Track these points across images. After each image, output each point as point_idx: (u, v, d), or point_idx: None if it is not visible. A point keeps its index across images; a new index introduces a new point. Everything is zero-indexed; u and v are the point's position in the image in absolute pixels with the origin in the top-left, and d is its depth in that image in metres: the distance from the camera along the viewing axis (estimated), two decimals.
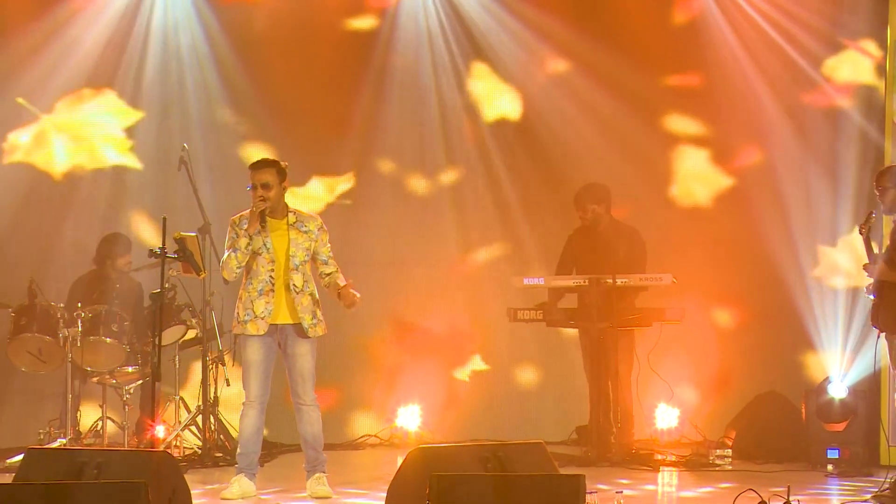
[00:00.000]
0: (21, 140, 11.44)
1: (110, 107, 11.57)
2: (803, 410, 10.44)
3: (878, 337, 8.96)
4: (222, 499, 8.90)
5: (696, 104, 11.73)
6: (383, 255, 11.72)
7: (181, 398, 10.68)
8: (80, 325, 10.18)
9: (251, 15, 11.75)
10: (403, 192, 11.95)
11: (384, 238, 11.86)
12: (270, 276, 8.96)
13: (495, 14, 11.86)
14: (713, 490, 9.38)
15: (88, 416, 10.69)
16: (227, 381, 10.59)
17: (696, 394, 11.59)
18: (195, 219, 10.54)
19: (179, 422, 10.53)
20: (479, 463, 7.17)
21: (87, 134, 11.57)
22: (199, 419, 10.42)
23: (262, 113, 11.70)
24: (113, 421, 10.48)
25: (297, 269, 8.98)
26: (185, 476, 7.39)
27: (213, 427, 10.42)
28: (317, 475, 9.04)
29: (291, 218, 9.06)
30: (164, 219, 8.53)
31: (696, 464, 10.29)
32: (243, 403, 9.05)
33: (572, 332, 11.07)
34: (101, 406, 10.44)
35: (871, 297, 8.92)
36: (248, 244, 8.92)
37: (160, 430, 10.27)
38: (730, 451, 10.40)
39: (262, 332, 8.95)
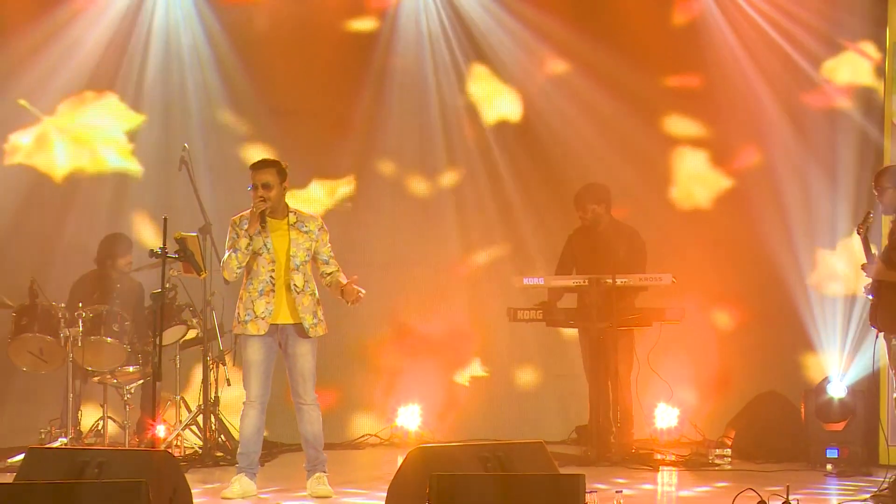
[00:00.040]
0: (22, 142, 11.45)
1: (112, 110, 11.57)
2: (802, 410, 10.45)
3: (877, 337, 8.98)
4: (223, 498, 8.92)
5: (695, 105, 11.74)
6: (383, 256, 11.73)
7: (182, 398, 10.69)
8: (81, 324, 10.20)
9: (252, 16, 11.76)
10: (404, 193, 11.96)
11: (384, 239, 11.87)
12: (271, 277, 8.98)
13: (495, 15, 11.86)
14: (712, 489, 9.40)
15: (89, 415, 10.70)
16: (228, 380, 10.60)
17: (695, 394, 11.60)
18: (196, 219, 10.55)
19: (180, 421, 10.55)
20: (479, 463, 7.17)
21: (88, 137, 11.58)
22: (200, 419, 10.43)
23: (263, 114, 11.71)
24: (114, 420, 10.49)
25: (297, 270, 8.99)
26: (186, 475, 7.39)
27: (213, 427, 10.43)
28: (317, 475, 9.06)
29: (292, 218, 9.08)
30: (165, 219, 8.54)
31: (695, 463, 10.30)
32: (244, 403, 9.07)
33: (572, 332, 11.09)
34: (102, 406, 10.45)
35: (869, 297, 8.94)
36: (249, 244, 8.93)
37: (161, 430, 10.29)
38: (729, 450, 10.42)
39: (263, 332, 8.96)
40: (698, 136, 11.80)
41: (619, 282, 10.38)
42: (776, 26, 11.44)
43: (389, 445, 11.52)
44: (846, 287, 10.90)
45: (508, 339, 11.76)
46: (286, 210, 9.09)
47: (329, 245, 9.15)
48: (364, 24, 11.86)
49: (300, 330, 9.00)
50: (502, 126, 12.00)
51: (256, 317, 8.95)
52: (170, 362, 10.45)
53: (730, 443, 10.69)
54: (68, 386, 10.31)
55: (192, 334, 10.71)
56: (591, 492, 6.73)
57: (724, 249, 11.52)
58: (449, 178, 11.99)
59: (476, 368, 11.96)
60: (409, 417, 11.69)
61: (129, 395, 10.39)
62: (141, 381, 10.57)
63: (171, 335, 10.37)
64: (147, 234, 11.43)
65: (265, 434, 9.36)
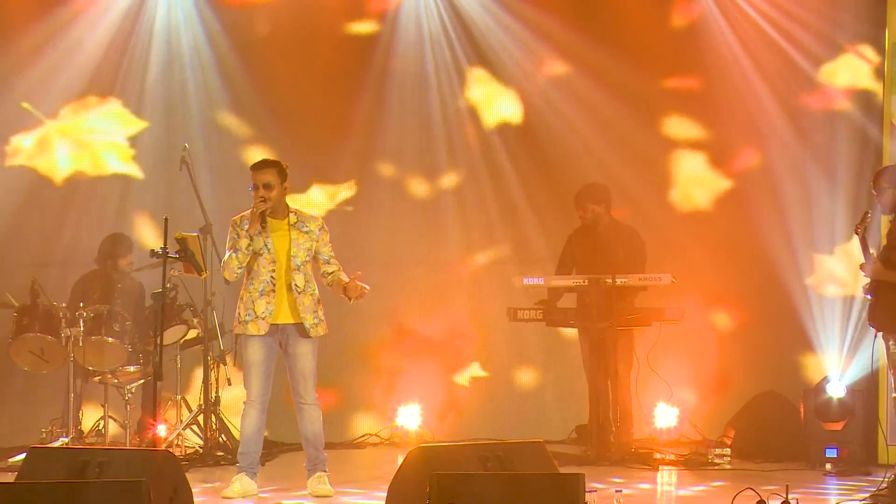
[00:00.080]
0: (24, 144, 11.47)
1: (114, 115, 11.59)
2: (802, 410, 10.46)
3: (875, 336, 9.00)
4: (223, 497, 8.93)
5: (695, 106, 11.74)
6: (384, 256, 11.74)
7: (182, 398, 10.71)
8: (82, 324, 10.21)
9: (252, 17, 11.77)
10: (404, 193, 11.97)
11: (385, 239, 11.88)
12: (271, 277, 8.99)
13: (495, 17, 11.87)
14: (712, 489, 9.41)
15: (90, 415, 10.72)
16: (229, 380, 10.62)
17: (695, 393, 11.61)
18: (196, 219, 10.57)
19: (181, 421, 10.57)
20: (479, 462, 7.19)
21: (90, 141, 11.60)
22: (201, 418, 10.45)
23: (263, 115, 11.73)
24: (115, 420, 10.51)
25: (298, 270, 9.01)
26: (187, 475, 7.40)
27: (214, 426, 10.45)
28: (318, 474, 9.08)
29: (292, 218, 9.09)
30: (166, 219, 8.56)
31: (695, 463, 10.31)
32: (244, 403, 9.08)
33: (572, 332, 11.10)
34: (102, 405, 10.46)
35: (868, 296, 8.96)
36: (249, 245, 8.95)
37: (162, 430, 10.31)
38: (728, 450, 10.43)
39: (263, 332, 8.98)
40: (698, 138, 11.81)
41: (618, 282, 10.40)
42: (776, 27, 11.45)
43: (390, 445, 11.54)
44: (844, 290, 10.92)
45: (508, 339, 11.77)
46: (286, 210, 9.10)
47: (330, 245, 9.16)
48: (364, 27, 11.88)
49: (301, 330, 9.01)
50: (502, 127, 12.01)
51: (257, 317, 8.96)
52: (170, 362, 10.47)
53: (729, 442, 10.71)
54: (69, 386, 10.32)
55: (192, 334, 10.72)
56: (590, 491, 6.74)
57: (723, 250, 11.53)
58: (449, 179, 12.01)
59: (476, 368, 11.97)
60: (410, 417, 11.70)
61: (129, 395, 10.39)
62: (142, 381, 10.58)
63: (171, 335, 10.38)
64: (148, 234, 11.45)
65: (266, 434, 9.38)
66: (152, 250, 8.65)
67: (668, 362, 11.05)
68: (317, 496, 8.97)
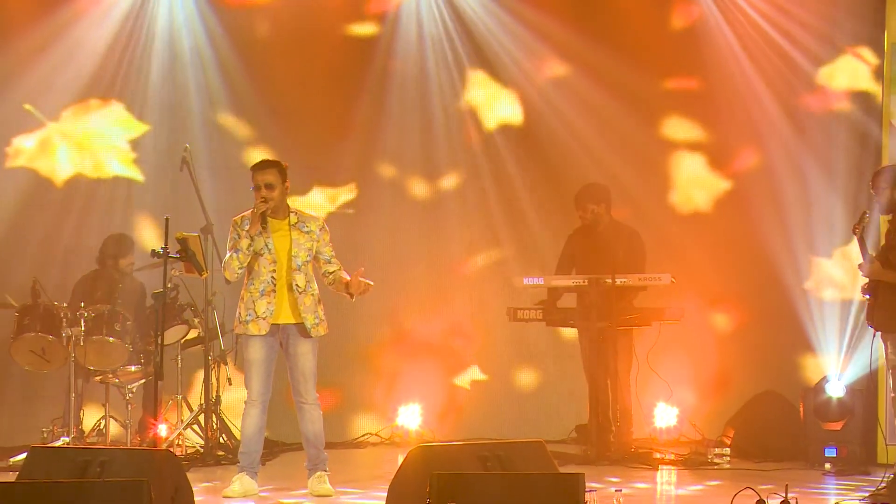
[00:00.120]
0: (26, 145, 11.48)
1: (116, 118, 11.60)
2: (801, 409, 10.47)
3: (874, 336, 9.02)
4: (224, 497, 8.94)
5: (695, 107, 11.76)
6: (384, 257, 11.74)
7: (183, 397, 10.73)
8: (83, 324, 10.22)
9: (253, 19, 11.79)
10: (404, 194, 11.98)
11: (385, 239, 11.89)
12: (272, 277, 9.01)
13: (496, 18, 11.88)
14: (711, 488, 9.42)
15: (91, 415, 10.73)
16: (230, 380, 10.64)
17: (694, 393, 11.62)
18: (197, 219, 10.59)
19: (182, 421, 10.58)
20: (479, 462, 7.20)
21: (91, 144, 11.61)
22: (202, 418, 10.47)
23: (264, 116, 11.74)
24: (116, 420, 10.51)
25: (299, 270, 9.02)
26: (188, 474, 7.43)
27: (215, 426, 10.46)
28: (318, 473, 9.09)
29: (293, 218, 9.11)
30: (167, 219, 8.59)
31: (694, 462, 10.33)
32: (245, 403, 9.10)
33: (572, 332, 11.11)
34: (103, 405, 10.47)
35: (867, 296, 8.97)
36: (250, 245, 8.96)
37: (162, 429, 10.32)
38: (728, 449, 10.45)
39: (264, 332, 8.99)
40: (698, 138, 11.83)
41: (618, 282, 10.41)
42: (775, 28, 11.47)
43: (390, 445, 11.55)
44: (843, 293, 10.93)
45: (508, 339, 11.79)
46: (287, 210, 9.11)
47: (330, 245, 9.17)
48: (365, 28, 11.89)
49: (302, 329, 9.03)
50: (503, 128, 12.02)
51: (258, 317, 8.98)
52: (171, 362, 10.48)
53: (729, 442, 10.73)
54: (70, 385, 10.33)
55: (193, 334, 10.74)
56: (590, 491, 6.75)
57: (723, 250, 11.54)
58: (449, 180, 12.02)
59: (476, 368, 11.99)
60: (410, 417, 11.72)
61: (130, 395, 10.40)
62: (143, 381, 10.59)
63: (172, 335, 10.40)
64: (148, 235, 11.47)
65: (266, 433, 9.38)
66: (153, 250, 8.68)
67: (668, 362, 11.06)
68: (317, 496, 8.98)
